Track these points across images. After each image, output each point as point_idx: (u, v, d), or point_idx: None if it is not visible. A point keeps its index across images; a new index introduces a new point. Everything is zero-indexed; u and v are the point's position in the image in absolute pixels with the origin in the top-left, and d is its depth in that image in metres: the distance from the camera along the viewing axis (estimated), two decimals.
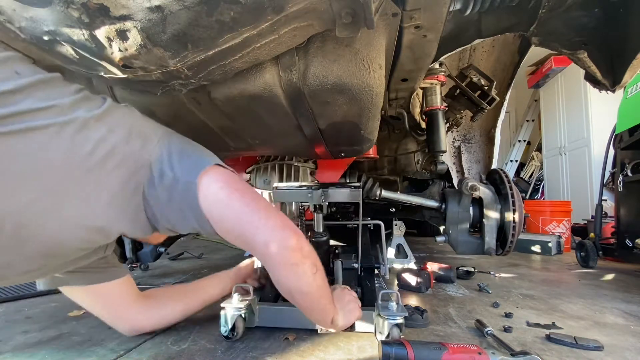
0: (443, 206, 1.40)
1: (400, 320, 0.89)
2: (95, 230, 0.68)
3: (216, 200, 0.71)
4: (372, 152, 1.59)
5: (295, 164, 1.52)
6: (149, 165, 0.72)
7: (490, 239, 1.24)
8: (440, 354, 0.76)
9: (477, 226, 1.35)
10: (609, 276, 1.91)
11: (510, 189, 1.23)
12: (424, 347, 0.78)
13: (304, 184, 1.29)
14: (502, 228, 1.25)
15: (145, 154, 0.71)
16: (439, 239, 1.40)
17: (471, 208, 1.32)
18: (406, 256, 2.05)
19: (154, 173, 0.71)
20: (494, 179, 1.36)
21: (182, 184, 0.71)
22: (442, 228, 1.42)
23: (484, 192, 1.27)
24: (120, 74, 0.69)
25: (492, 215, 1.26)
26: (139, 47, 0.62)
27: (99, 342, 0.94)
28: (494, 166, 2.11)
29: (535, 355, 0.79)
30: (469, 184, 1.27)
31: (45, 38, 0.62)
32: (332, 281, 1.14)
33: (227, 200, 0.71)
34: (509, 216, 1.22)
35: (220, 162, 0.78)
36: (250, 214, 0.71)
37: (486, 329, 0.98)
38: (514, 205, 1.20)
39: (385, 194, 1.53)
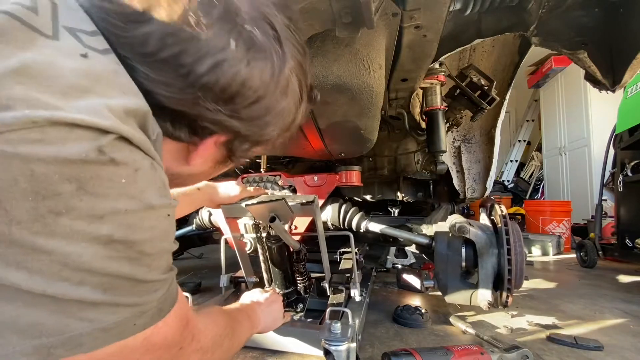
0: (433, 244, 1.18)
1: (344, 347, 0.71)
2: None
3: None
4: (355, 180, 1.51)
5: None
6: None
7: (484, 289, 1.02)
8: (448, 359, 0.77)
9: (470, 271, 1.13)
10: (609, 276, 1.91)
11: (507, 233, 1.01)
12: (432, 354, 0.78)
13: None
14: (500, 275, 1.02)
15: None
16: (427, 283, 1.24)
17: (463, 250, 1.09)
18: (406, 256, 2.05)
19: None
20: (489, 214, 1.17)
21: None
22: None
23: (475, 234, 1.05)
24: None
25: (486, 260, 1.03)
26: None
27: None
28: (494, 166, 2.10)
29: (526, 349, 0.81)
30: (457, 225, 1.07)
31: None
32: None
33: None
34: (506, 262, 0.99)
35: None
36: None
37: (485, 330, 0.98)
38: (509, 254, 0.98)
39: (373, 227, 1.29)
